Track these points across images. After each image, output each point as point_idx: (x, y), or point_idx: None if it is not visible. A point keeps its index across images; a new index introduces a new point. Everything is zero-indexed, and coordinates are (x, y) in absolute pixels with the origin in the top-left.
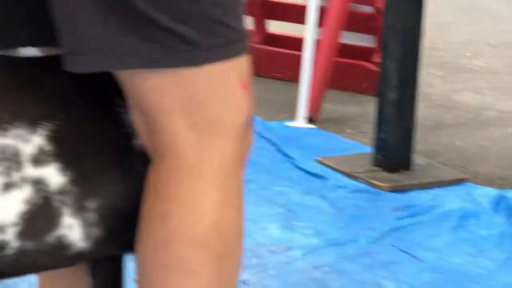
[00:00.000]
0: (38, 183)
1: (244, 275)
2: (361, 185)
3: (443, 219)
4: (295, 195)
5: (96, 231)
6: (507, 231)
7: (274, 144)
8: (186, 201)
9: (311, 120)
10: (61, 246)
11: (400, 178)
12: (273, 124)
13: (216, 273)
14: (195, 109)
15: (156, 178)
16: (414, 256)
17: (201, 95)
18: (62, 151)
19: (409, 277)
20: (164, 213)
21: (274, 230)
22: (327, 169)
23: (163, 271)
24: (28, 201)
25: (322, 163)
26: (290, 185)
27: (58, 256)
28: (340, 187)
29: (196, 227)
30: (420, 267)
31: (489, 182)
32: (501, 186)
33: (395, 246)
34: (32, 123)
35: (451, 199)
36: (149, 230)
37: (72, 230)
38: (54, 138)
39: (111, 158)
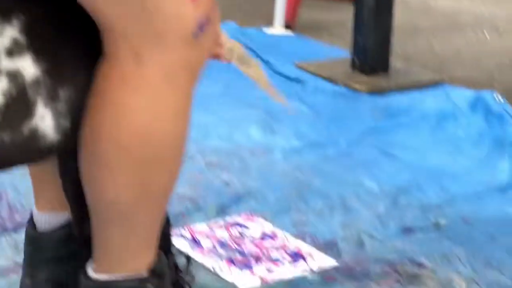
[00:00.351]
0: (13, 75)
1: (226, 176)
2: (340, 89)
3: (422, 120)
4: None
5: (65, 123)
6: (484, 131)
7: (251, 50)
8: (114, 102)
9: (288, 27)
10: (35, 137)
11: (378, 81)
12: (250, 30)
13: (137, 177)
14: (139, 16)
15: (97, 73)
16: (393, 156)
17: (147, 2)
18: (36, 42)
19: (389, 176)
20: (93, 109)
21: (255, 133)
22: (306, 74)
23: (90, 165)
24: (4, 93)
25: (301, 68)
26: None
27: (31, 149)
28: (319, 91)
29: (118, 129)
30: (400, 166)
31: (465, 84)
32: (477, 88)
33: (375, 146)
34: (5, 15)
35: (429, 101)
36: (84, 124)
37: (45, 120)
38: (27, 29)
39: (83, 48)
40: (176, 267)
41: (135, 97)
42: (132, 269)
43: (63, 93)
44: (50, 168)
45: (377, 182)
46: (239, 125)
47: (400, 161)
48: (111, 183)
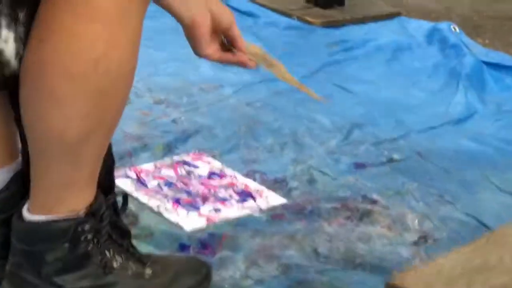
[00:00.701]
0: None
1: (175, 114)
2: (294, 22)
3: (377, 53)
4: None
5: (22, 49)
6: (440, 63)
7: None
8: (65, 30)
9: None
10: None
11: (333, 13)
12: None
13: (91, 108)
14: None
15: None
16: (347, 90)
17: None
18: None
19: (343, 110)
20: (41, 38)
21: (206, 69)
22: (259, 7)
23: (35, 99)
24: None
25: (254, 2)
26: None
27: None
28: (272, 24)
29: (71, 60)
30: (354, 101)
31: (422, 15)
32: (434, 20)
33: (329, 81)
34: None
35: (385, 33)
36: (27, 55)
37: (8, 43)
38: None
39: None
40: (115, 207)
41: (87, 26)
42: (69, 209)
43: (22, 16)
44: None
45: (330, 117)
46: (189, 62)
47: (354, 95)
48: (60, 116)
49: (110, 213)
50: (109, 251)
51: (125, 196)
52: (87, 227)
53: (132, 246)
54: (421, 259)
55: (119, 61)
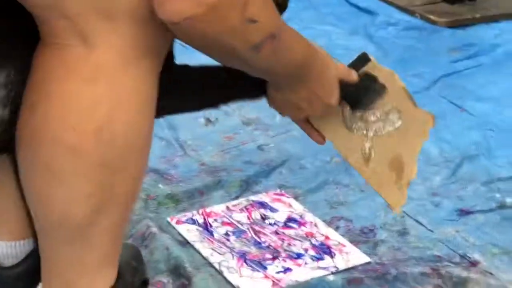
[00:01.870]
0: None
1: (263, 138)
2: (416, 21)
3: (508, 61)
4: (338, 35)
5: (3, 113)
6: None
7: None
8: (59, 93)
9: None
10: None
11: (462, 10)
12: None
13: (94, 186)
14: None
15: (35, 63)
16: (463, 109)
17: None
18: None
19: (455, 136)
20: (32, 103)
21: None
22: (380, 3)
23: (31, 171)
24: None
25: None
26: (336, 23)
27: None
28: (390, 24)
29: (66, 128)
30: (470, 123)
31: None
32: None
33: (443, 97)
34: None
35: None
36: (20, 122)
37: None
38: None
39: (20, 33)
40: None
41: (86, 86)
42: None
43: (1, 76)
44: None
45: (439, 145)
46: None
47: (472, 116)
48: (60, 196)
49: None
50: None
51: (145, 281)
52: None
53: None
54: None
55: (125, 127)
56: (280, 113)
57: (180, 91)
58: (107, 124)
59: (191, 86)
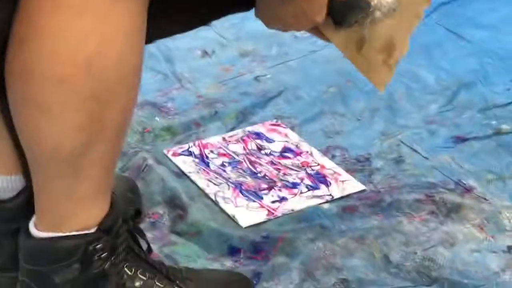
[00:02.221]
0: None
1: (259, 69)
2: None
3: None
4: None
5: None
6: None
7: None
8: (49, 27)
9: None
10: None
11: None
12: None
13: (85, 118)
14: None
15: None
16: (462, 37)
17: None
18: None
19: (452, 64)
20: (21, 38)
21: None
22: None
23: (22, 106)
24: None
25: None
26: None
27: None
28: None
29: (57, 61)
30: (467, 51)
31: None
32: None
33: (441, 25)
34: None
35: None
36: (8, 58)
37: None
38: None
39: None
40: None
41: (75, 20)
42: (79, 226)
43: None
44: None
45: (436, 73)
46: None
47: (469, 44)
48: (51, 128)
49: (128, 227)
50: (129, 269)
51: (139, 211)
52: (100, 245)
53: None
54: None
55: (115, 59)
56: (266, 25)
57: (167, 12)
58: (96, 57)
59: (177, 5)
